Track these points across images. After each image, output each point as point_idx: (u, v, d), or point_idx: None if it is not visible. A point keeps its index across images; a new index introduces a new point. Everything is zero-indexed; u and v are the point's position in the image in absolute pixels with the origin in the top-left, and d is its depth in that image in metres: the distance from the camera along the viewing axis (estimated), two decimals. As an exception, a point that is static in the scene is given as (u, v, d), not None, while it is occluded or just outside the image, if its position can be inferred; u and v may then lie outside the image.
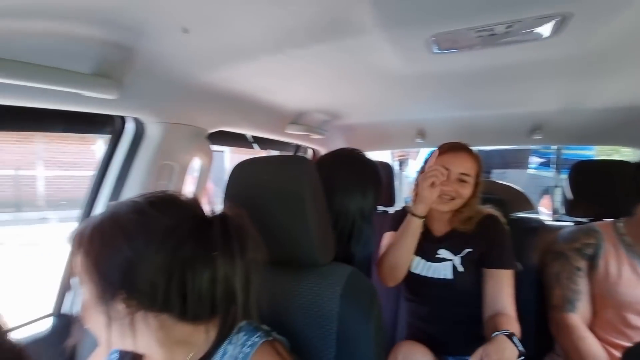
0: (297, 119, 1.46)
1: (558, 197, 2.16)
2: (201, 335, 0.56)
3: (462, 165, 1.15)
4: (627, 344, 1.03)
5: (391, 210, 2.03)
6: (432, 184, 1.07)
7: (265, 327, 0.62)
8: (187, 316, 0.52)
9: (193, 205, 0.57)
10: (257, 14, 0.61)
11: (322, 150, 1.99)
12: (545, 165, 3.40)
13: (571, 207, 1.42)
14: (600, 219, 1.28)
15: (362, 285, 0.75)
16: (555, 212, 2.19)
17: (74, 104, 0.76)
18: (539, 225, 1.48)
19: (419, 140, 1.93)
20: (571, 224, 1.48)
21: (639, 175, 1.10)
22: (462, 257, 1.17)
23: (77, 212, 1.06)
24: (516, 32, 0.58)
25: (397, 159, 2.73)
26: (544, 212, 2.71)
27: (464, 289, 1.16)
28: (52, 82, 0.62)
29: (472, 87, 1.11)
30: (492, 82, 1.03)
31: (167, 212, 0.53)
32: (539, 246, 1.38)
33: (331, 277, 0.74)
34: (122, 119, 0.97)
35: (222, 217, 0.56)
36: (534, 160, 3.56)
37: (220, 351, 0.57)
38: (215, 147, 1.24)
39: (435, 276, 1.19)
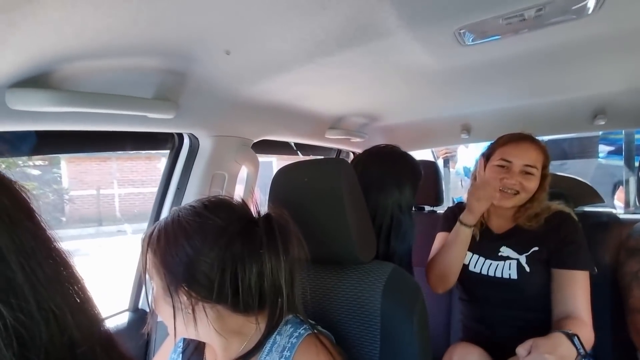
0: (335, 123, 1.50)
1: (632, 187, 1.91)
2: (253, 327, 0.61)
3: (526, 156, 1.07)
4: None
5: (440, 209, 1.97)
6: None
7: (311, 321, 0.66)
8: (239, 307, 0.58)
9: (241, 208, 0.64)
10: (289, 29, 0.66)
11: (364, 153, 2.01)
12: (615, 153, 2.98)
13: None
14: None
15: (404, 283, 0.76)
16: (627, 204, 1.95)
17: (140, 125, 0.88)
18: (611, 220, 1.33)
19: (464, 136, 1.86)
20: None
21: None
22: (528, 256, 1.08)
23: (146, 224, 1.21)
24: (550, 15, 0.56)
25: (441, 156, 2.64)
26: (618, 206, 2.41)
27: (530, 291, 1.06)
28: (122, 108, 0.74)
29: (517, 75, 1.06)
30: (538, 68, 0.97)
31: (219, 214, 0.60)
32: (611, 243, 1.25)
33: (373, 275, 0.75)
34: (180, 136, 1.09)
35: (266, 217, 0.62)
36: (603, 148, 3.17)
37: (270, 341, 0.62)
38: (263, 158, 1.32)
39: (497, 275, 1.10)
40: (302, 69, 0.84)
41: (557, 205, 1.12)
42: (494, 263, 1.11)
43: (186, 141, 1.09)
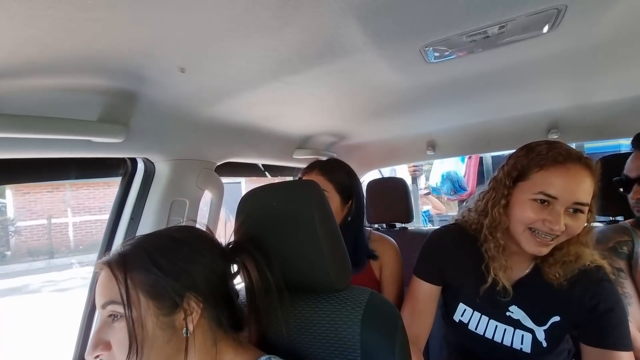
0: (303, 143, 1.47)
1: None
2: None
3: (579, 191, 0.78)
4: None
5: (410, 226, 1.97)
6: None
7: None
8: (233, 322, 0.60)
9: (209, 237, 0.62)
10: (250, 46, 0.62)
11: (333, 172, 1.99)
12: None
13: (600, 206, 1.32)
14: (629, 217, 1.19)
15: (384, 308, 0.71)
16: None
17: (85, 150, 0.78)
18: None
19: (430, 152, 1.90)
20: (601, 224, 1.38)
21: None
22: (546, 331, 0.88)
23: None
24: (511, 32, 0.57)
25: (409, 173, 2.70)
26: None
27: None
28: (61, 132, 0.65)
29: (479, 92, 1.08)
30: (498, 85, 1.00)
31: (191, 238, 0.60)
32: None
33: (350, 302, 0.70)
34: (133, 161, 1.00)
35: (235, 247, 0.62)
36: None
37: None
38: (230, 179, 1.25)
39: (505, 343, 0.91)
40: (267, 87, 0.81)
41: (593, 255, 0.85)
42: (501, 326, 0.91)
43: (140, 166, 1.00)
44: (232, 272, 0.62)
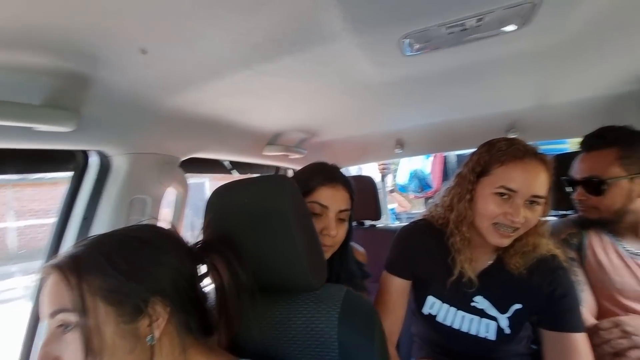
0: (274, 139, 1.42)
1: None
2: None
3: (536, 184, 0.83)
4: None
5: (379, 223, 2.00)
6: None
7: None
8: (203, 326, 0.55)
9: (174, 236, 0.58)
10: (220, 28, 0.58)
11: (304, 170, 1.96)
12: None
13: (552, 200, 1.42)
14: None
15: (360, 306, 0.69)
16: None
17: (27, 140, 0.69)
18: None
19: (398, 151, 1.93)
20: (554, 218, 1.48)
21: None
22: (509, 318, 0.93)
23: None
24: (488, 26, 0.57)
25: (379, 171, 2.74)
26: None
27: (509, 352, 0.98)
28: (-5, 117, 0.56)
29: (447, 90, 1.10)
30: (465, 84, 1.03)
31: (155, 237, 0.55)
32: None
33: (326, 301, 0.68)
34: (85, 153, 0.90)
35: (205, 246, 0.59)
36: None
37: None
38: (194, 179, 1.18)
39: (472, 333, 0.96)
40: (238, 76, 0.76)
41: (548, 245, 0.91)
42: (468, 316, 0.96)
43: (94, 160, 0.90)
44: (201, 273, 0.58)
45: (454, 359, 1.05)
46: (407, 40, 0.61)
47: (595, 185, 1.01)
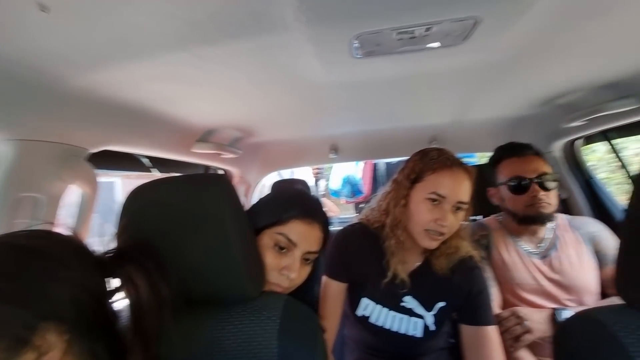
0: (206, 136, 1.31)
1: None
2: None
3: (461, 190, 0.91)
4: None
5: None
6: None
7: None
8: (113, 352, 0.45)
9: (76, 244, 0.47)
10: (152, -3, 0.49)
11: (236, 171, 1.85)
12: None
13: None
14: (487, 215, 1.46)
15: (302, 314, 0.65)
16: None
17: None
18: None
19: (332, 156, 1.96)
20: (466, 222, 1.66)
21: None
22: (435, 315, 1.00)
23: None
24: (433, 37, 0.60)
25: (313, 176, 2.75)
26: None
27: (434, 348, 1.05)
28: None
29: (383, 99, 1.13)
30: (402, 94, 1.07)
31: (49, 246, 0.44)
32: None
33: (264, 312, 0.62)
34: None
35: (118, 254, 0.50)
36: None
37: None
38: (103, 178, 1.00)
39: (401, 331, 1.01)
40: (169, 57, 0.66)
41: (467, 247, 1.00)
42: (398, 316, 1.01)
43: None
44: (111, 288, 0.49)
45: (384, 359, 1.08)
46: (358, 42, 0.61)
47: (548, 181, 1.12)
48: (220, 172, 1.81)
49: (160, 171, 1.55)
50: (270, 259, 0.73)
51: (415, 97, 1.13)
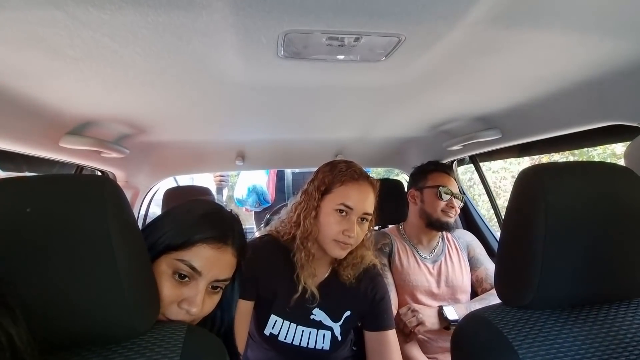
0: (80, 128, 1.05)
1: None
2: None
3: (367, 203, 0.94)
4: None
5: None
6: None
7: None
8: None
9: None
10: None
11: (120, 174, 1.55)
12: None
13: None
14: (386, 226, 1.60)
15: (206, 347, 0.55)
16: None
17: None
18: None
19: (238, 163, 1.85)
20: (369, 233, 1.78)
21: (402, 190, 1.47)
22: (341, 325, 1.01)
23: None
24: (359, 49, 0.60)
25: (215, 183, 2.53)
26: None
27: (338, 356, 1.04)
28: None
29: (295, 108, 1.10)
30: (314, 104, 1.06)
31: None
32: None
33: (160, 348, 0.50)
34: None
35: None
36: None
37: None
38: None
39: (310, 346, 0.98)
40: (34, 15, 0.48)
41: (370, 255, 1.04)
42: (306, 330, 0.99)
43: None
44: None
45: None
46: (286, 38, 0.56)
47: (458, 199, 1.34)
48: (97, 174, 1.49)
49: (4, 170, 1.19)
50: (167, 289, 0.60)
51: (327, 109, 1.14)
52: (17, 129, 0.89)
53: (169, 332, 0.54)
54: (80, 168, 1.34)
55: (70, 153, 1.12)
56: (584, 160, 1.88)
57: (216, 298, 0.66)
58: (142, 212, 2.03)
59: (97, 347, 0.48)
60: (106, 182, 0.49)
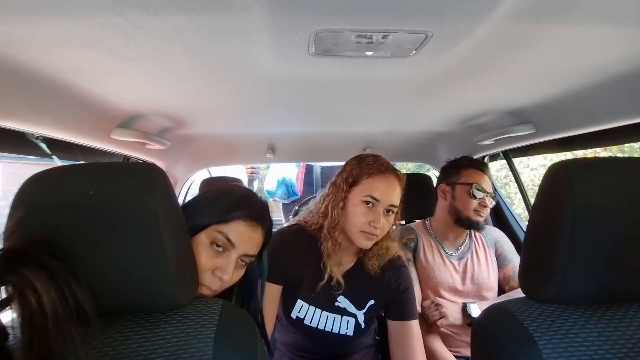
0: (128, 122, 1.15)
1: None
2: None
3: (393, 195, 0.96)
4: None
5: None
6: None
7: None
8: None
9: None
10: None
11: (161, 164, 1.67)
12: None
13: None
14: (413, 220, 1.60)
15: (240, 321, 0.61)
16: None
17: None
18: None
19: (269, 156, 1.92)
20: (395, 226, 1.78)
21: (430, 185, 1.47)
22: (365, 313, 1.05)
23: None
24: (388, 45, 0.62)
25: (247, 175, 2.63)
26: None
27: (361, 344, 1.10)
28: None
29: (326, 102, 1.13)
30: (345, 99, 1.08)
31: None
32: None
33: (199, 319, 0.57)
34: None
35: (12, 256, 0.42)
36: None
37: None
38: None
39: (334, 331, 1.03)
40: (95, 21, 0.55)
41: (396, 247, 1.07)
42: (331, 316, 1.04)
43: None
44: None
45: None
46: (317, 37, 0.59)
47: (491, 199, 1.32)
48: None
49: (61, 159, 1.31)
50: (204, 258, 0.68)
51: (356, 103, 1.16)
52: (76, 121, 1.00)
53: (207, 306, 0.60)
54: (126, 158, 1.47)
55: (119, 144, 1.23)
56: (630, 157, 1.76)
57: (241, 272, 0.75)
58: (181, 200, 2.17)
59: (145, 315, 0.55)
60: (154, 169, 0.56)
